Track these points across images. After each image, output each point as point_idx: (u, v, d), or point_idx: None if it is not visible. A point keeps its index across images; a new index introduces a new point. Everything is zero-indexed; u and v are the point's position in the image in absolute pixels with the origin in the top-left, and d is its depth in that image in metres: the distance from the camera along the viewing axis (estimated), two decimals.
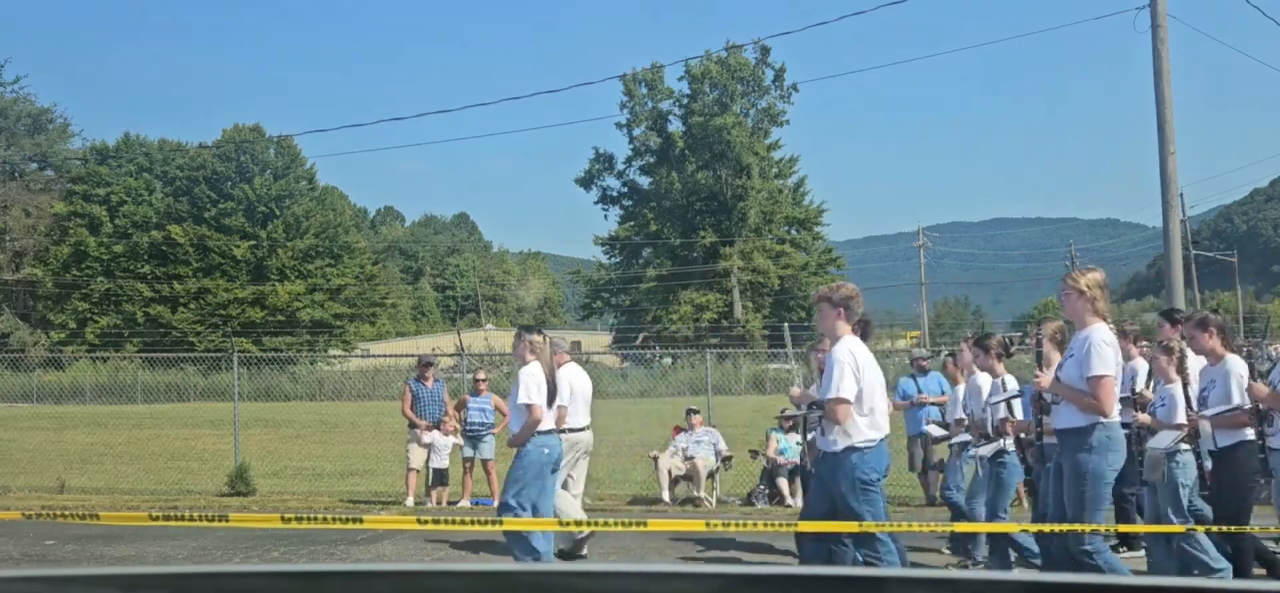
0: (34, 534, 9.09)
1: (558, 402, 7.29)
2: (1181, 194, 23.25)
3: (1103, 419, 5.40)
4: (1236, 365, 5.79)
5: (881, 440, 5.67)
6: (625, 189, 62.28)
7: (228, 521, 7.58)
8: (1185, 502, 6.23)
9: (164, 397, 30.02)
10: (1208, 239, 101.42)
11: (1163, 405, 6.49)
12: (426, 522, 7.93)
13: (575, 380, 8.09)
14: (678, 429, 12.05)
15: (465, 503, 11.35)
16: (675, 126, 59.19)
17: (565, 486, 8.11)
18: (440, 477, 11.56)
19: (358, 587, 1.55)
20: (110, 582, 1.51)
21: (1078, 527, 5.51)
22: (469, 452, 11.47)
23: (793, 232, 60.64)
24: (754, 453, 11.94)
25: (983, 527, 7.19)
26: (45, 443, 18.45)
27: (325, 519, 7.29)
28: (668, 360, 35.93)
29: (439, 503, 11.41)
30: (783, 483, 11.34)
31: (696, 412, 12.20)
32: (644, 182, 61.42)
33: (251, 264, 57.97)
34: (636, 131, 59.68)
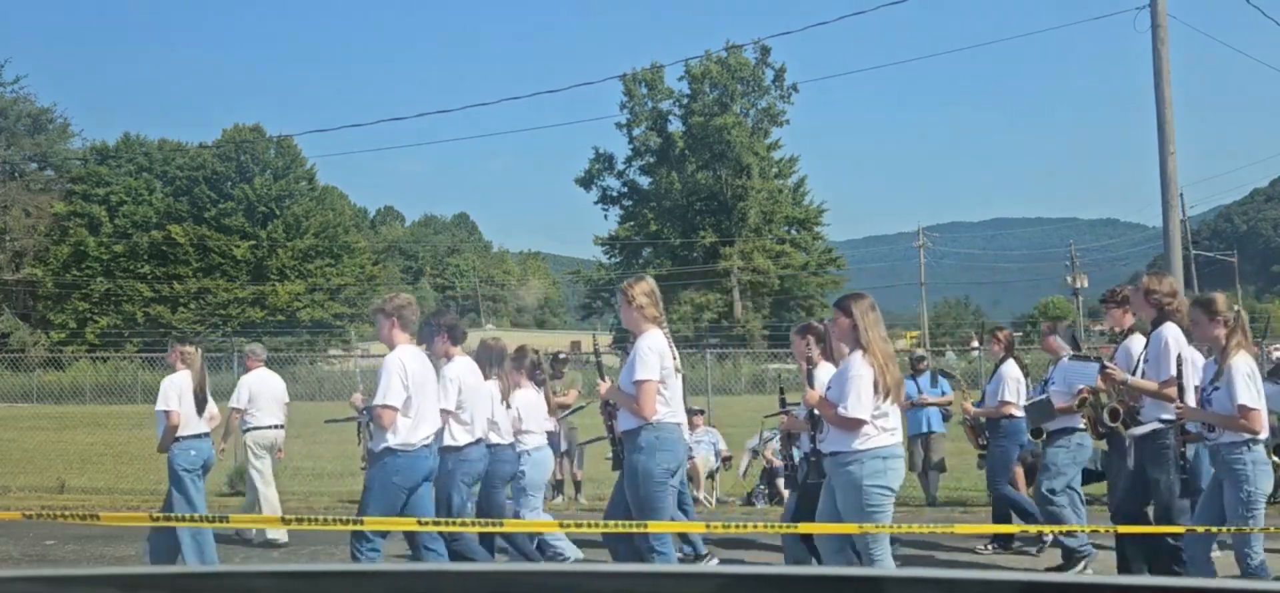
0: (34, 534, 9.09)
1: (233, 404, 8.77)
2: (1181, 194, 23.27)
3: (649, 421, 5.63)
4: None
5: (422, 445, 5.92)
6: (625, 189, 62.29)
7: (228, 521, 7.57)
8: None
9: None
10: (1208, 239, 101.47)
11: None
12: (426, 522, 7.92)
13: (255, 384, 9.02)
14: None
15: None
16: (675, 126, 59.19)
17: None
18: None
19: (358, 587, 1.55)
20: (110, 582, 1.51)
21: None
22: None
23: (793, 232, 60.64)
24: (754, 452, 11.95)
25: (970, 529, 7.22)
26: (45, 443, 18.45)
27: (325, 520, 7.30)
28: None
29: None
30: (782, 483, 11.35)
31: (698, 412, 12.21)
32: (644, 182, 61.43)
33: (251, 264, 57.96)
34: (636, 131, 59.68)
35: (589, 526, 8.18)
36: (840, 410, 5.24)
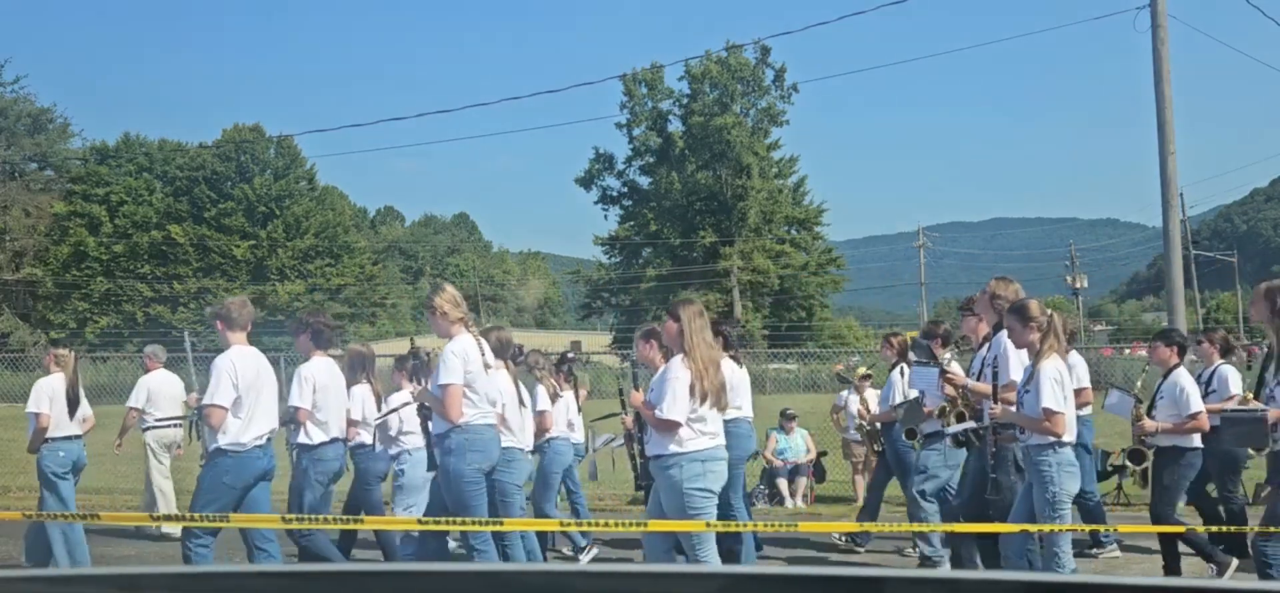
0: None
1: (130, 404, 9.46)
2: (1181, 194, 23.26)
3: (455, 424, 5.89)
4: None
5: (254, 445, 6.07)
6: (625, 189, 62.23)
7: (228, 521, 7.56)
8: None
9: None
10: (1208, 239, 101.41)
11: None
12: (427, 522, 7.92)
13: (154, 384, 9.56)
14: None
15: None
16: (675, 126, 59.14)
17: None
18: None
19: (358, 587, 1.55)
20: (110, 582, 1.51)
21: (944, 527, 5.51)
22: None
23: (793, 232, 60.59)
24: (755, 453, 11.95)
25: (944, 526, 7.25)
26: None
27: (325, 519, 7.30)
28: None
29: None
30: (782, 483, 11.36)
31: None
32: (644, 182, 61.37)
33: (251, 264, 57.95)
34: (636, 131, 59.63)
35: (606, 525, 8.19)
36: (656, 413, 5.38)
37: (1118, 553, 8.10)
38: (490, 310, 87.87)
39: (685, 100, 58.66)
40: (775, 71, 58.10)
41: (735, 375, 7.38)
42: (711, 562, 5.42)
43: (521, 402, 6.99)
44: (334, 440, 6.65)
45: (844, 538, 8.54)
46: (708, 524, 5.54)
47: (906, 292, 78.87)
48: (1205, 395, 7.38)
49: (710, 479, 5.42)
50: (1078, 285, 62.27)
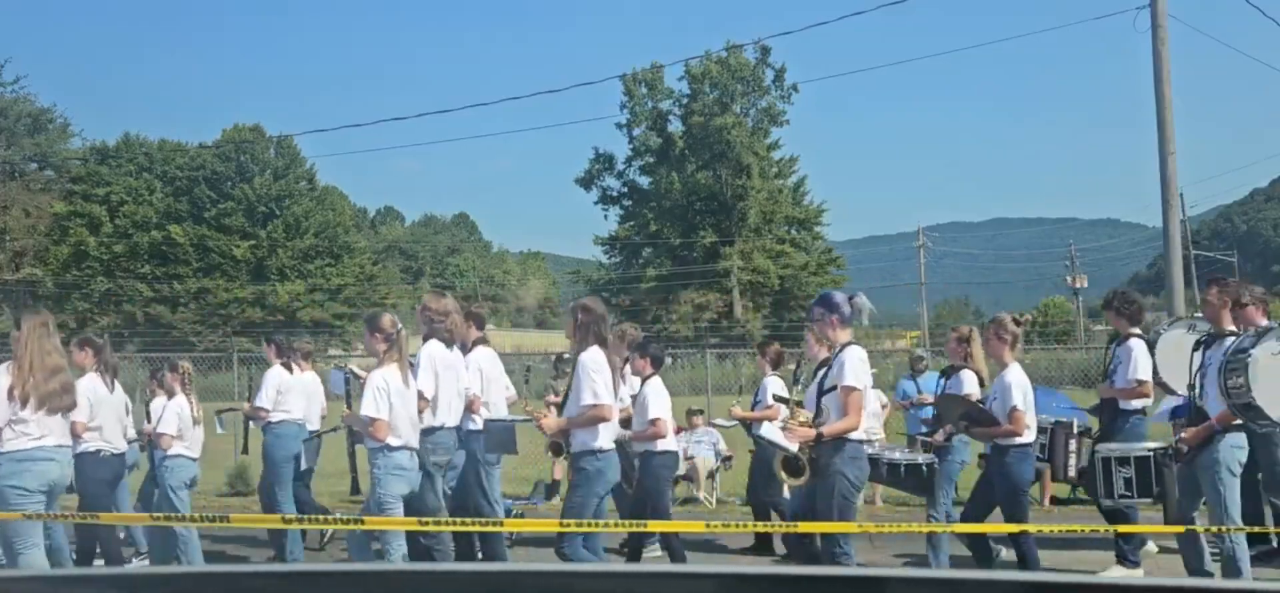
0: None
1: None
2: (1181, 194, 23.24)
3: None
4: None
5: None
6: (625, 189, 62.24)
7: (228, 521, 7.58)
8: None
9: None
10: (1208, 239, 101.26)
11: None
12: (427, 522, 7.92)
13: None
14: (678, 429, 12.04)
15: None
16: (675, 127, 59.17)
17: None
18: None
19: (358, 587, 1.55)
20: (110, 582, 1.52)
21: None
22: None
23: (793, 232, 60.61)
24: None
25: (948, 527, 7.24)
26: None
27: (325, 519, 7.31)
28: (668, 360, 35.97)
29: None
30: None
31: (697, 412, 12.21)
32: (644, 182, 61.39)
33: (251, 264, 57.96)
34: (636, 132, 59.65)
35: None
36: None
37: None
38: (490, 311, 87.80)
39: (685, 100, 58.68)
40: (775, 71, 58.15)
41: (303, 379, 8.40)
42: (29, 558, 5.84)
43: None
44: None
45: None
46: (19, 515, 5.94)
47: (906, 292, 78.79)
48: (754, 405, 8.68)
49: (26, 478, 5.81)
50: (1078, 285, 62.28)
